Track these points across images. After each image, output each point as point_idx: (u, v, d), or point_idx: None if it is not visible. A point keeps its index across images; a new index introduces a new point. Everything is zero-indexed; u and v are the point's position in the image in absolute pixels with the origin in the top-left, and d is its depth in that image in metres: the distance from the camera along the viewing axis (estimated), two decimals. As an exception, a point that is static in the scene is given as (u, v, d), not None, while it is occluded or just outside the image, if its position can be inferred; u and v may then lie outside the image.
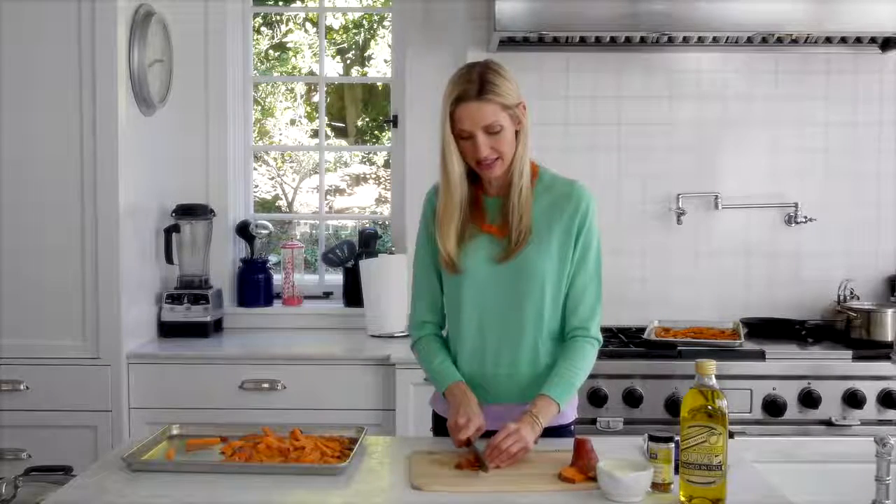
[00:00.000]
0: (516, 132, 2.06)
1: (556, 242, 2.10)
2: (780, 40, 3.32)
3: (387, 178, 5.23)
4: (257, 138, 5.36)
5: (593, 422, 2.92)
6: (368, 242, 3.64)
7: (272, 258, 3.90)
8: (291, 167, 6.16)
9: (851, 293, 3.36)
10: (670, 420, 2.88)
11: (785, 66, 3.48)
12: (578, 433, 2.07)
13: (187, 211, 3.47)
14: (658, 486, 1.78)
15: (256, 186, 4.88)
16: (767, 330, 3.33)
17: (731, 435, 2.07)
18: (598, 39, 3.36)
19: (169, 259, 3.43)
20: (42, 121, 3.01)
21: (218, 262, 3.63)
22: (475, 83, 2.00)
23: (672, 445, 1.79)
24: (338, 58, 6.07)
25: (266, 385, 3.09)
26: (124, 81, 3.08)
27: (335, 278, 3.84)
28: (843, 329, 3.25)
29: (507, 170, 2.08)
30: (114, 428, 3.05)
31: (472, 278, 2.11)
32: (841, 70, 3.47)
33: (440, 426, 2.19)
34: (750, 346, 3.08)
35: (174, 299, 3.40)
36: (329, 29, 5.74)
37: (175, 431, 2.16)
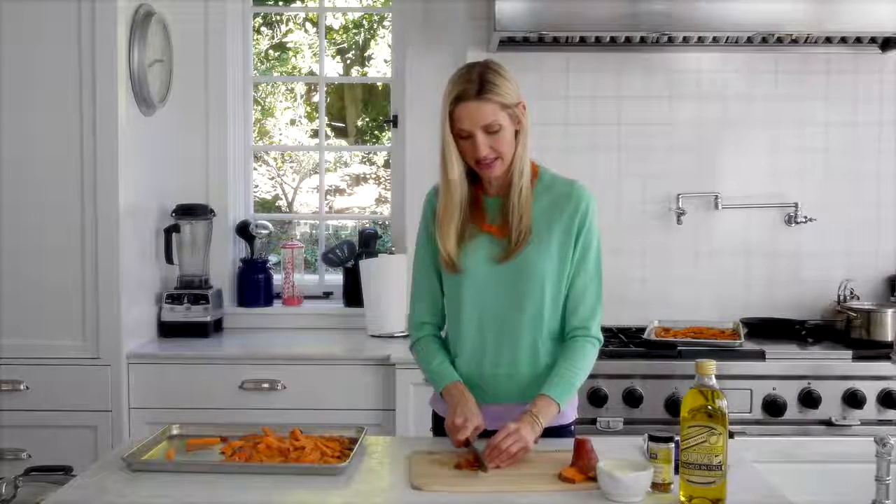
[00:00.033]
0: (516, 132, 2.06)
1: (556, 242, 2.10)
2: (780, 40, 3.32)
3: (387, 178, 5.23)
4: (257, 138, 5.36)
5: (593, 422, 2.92)
6: (368, 242, 3.64)
7: (272, 258, 3.90)
8: (291, 167, 6.16)
9: (851, 293, 3.36)
10: (670, 420, 2.88)
11: (785, 66, 3.48)
12: (578, 433, 2.07)
13: (187, 211, 3.47)
14: (658, 486, 1.78)
15: (256, 186, 4.88)
16: (767, 330, 3.33)
17: (731, 435, 2.07)
18: (598, 39, 3.36)
19: (169, 259, 3.43)
20: (42, 121, 3.01)
21: (218, 262, 3.63)
22: (474, 83, 2.01)
23: (672, 445, 1.79)
24: (338, 58, 6.07)
25: (266, 385, 3.09)
26: (124, 81, 3.08)
27: (335, 278, 3.84)
28: (843, 329, 3.25)
29: (506, 170, 2.08)
30: (114, 428, 3.05)
31: (472, 278, 2.11)
32: (841, 70, 3.47)
33: (440, 426, 2.18)
34: (750, 346, 3.08)
35: (174, 299, 3.40)
36: (329, 29, 5.74)
37: (175, 431, 2.16)
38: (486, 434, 2.00)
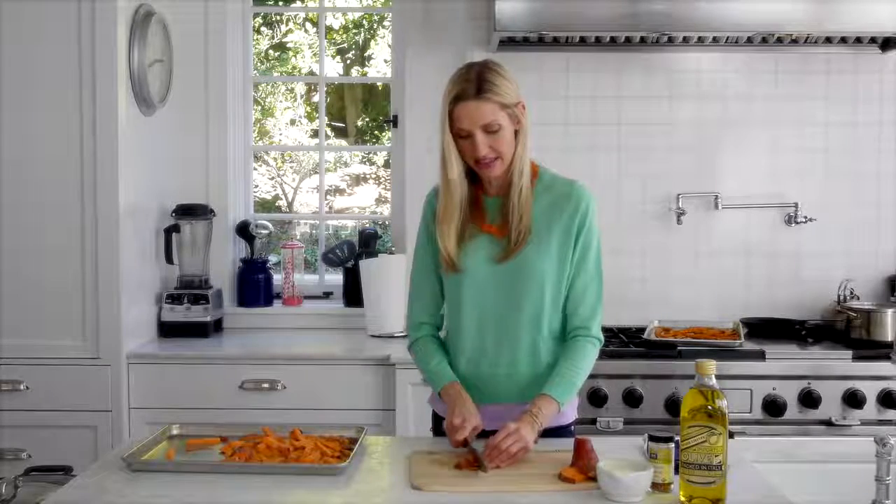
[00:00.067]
0: (515, 132, 2.07)
1: (555, 242, 2.10)
2: (780, 40, 3.32)
3: (387, 178, 5.23)
4: (257, 138, 5.36)
5: (593, 422, 2.92)
6: (368, 242, 3.64)
7: (272, 258, 3.90)
8: (291, 167, 6.16)
9: (851, 293, 3.36)
10: (670, 420, 2.88)
11: (785, 66, 3.48)
12: (578, 433, 2.07)
13: (187, 211, 3.47)
14: (658, 486, 1.78)
15: (256, 186, 4.88)
16: (767, 330, 3.33)
17: (731, 435, 2.07)
18: (598, 39, 3.36)
19: (169, 259, 3.43)
20: (42, 121, 3.01)
21: (218, 262, 3.63)
22: (473, 82, 2.01)
23: (672, 445, 1.79)
24: (338, 58, 6.07)
25: (266, 385, 3.09)
26: (124, 81, 3.08)
27: (335, 278, 3.84)
28: (843, 329, 3.25)
29: (506, 169, 2.08)
30: (114, 428, 3.04)
31: (472, 278, 2.12)
32: (841, 70, 3.47)
33: (440, 426, 2.18)
34: (750, 346, 3.08)
35: (174, 299, 3.40)
36: (329, 29, 5.74)
37: (175, 431, 2.16)
38: (486, 434, 2.00)
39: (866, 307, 3.23)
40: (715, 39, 3.33)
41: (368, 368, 3.09)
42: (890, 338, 3.13)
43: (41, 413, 3.02)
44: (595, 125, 3.52)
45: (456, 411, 2.03)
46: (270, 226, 3.77)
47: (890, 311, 3.16)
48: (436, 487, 1.81)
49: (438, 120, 2.06)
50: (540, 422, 1.99)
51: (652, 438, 1.81)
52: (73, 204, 3.02)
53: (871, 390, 2.92)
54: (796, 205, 3.48)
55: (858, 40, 3.34)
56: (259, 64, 5.63)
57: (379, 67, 5.90)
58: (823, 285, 3.46)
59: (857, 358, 3.00)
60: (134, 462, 1.91)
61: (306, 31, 6.03)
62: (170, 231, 3.43)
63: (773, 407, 2.91)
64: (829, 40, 3.33)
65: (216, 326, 3.51)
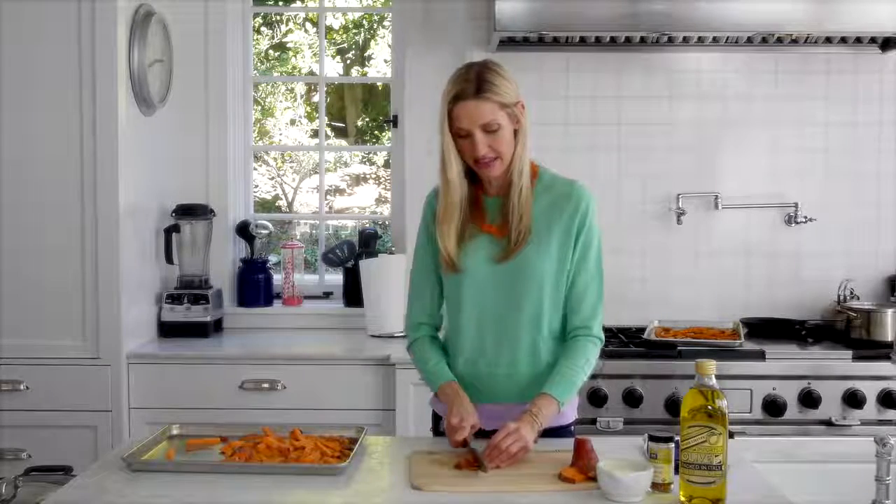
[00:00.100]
0: (515, 132, 2.07)
1: (555, 242, 2.10)
2: (780, 40, 3.32)
3: (387, 178, 5.23)
4: (257, 138, 5.36)
5: (593, 422, 2.92)
6: (368, 242, 3.64)
7: (272, 258, 3.90)
8: (291, 167, 6.16)
9: (851, 293, 3.36)
10: (670, 420, 2.88)
11: (785, 66, 3.48)
12: (578, 433, 2.07)
13: (187, 211, 3.47)
14: (658, 486, 1.78)
15: (256, 186, 4.88)
16: (767, 330, 3.33)
17: (731, 435, 2.07)
18: (598, 39, 3.36)
19: (169, 259, 3.43)
20: (42, 121, 3.01)
21: (218, 262, 3.63)
22: (473, 82, 2.01)
23: (672, 445, 1.79)
24: (338, 58, 6.07)
25: (266, 385, 3.09)
26: (124, 81, 3.08)
27: (335, 278, 3.84)
28: (843, 329, 3.25)
29: (506, 169, 2.08)
30: (114, 428, 3.04)
31: (472, 278, 2.12)
32: (841, 70, 3.47)
33: (440, 426, 2.19)
34: (750, 346, 3.08)
35: (174, 299, 3.40)
36: (329, 29, 5.74)
37: (175, 431, 2.16)
38: (486, 434, 2.00)
39: (866, 307, 3.24)
40: (715, 39, 3.33)
41: (368, 368, 3.09)
42: (890, 338, 3.13)
43: (41, 413, 3.02)
44: (595, 125, 3.52)
45: (454, 411, 2.03)
46: (270, 226, 3.77)
47: (890, 311, 3.16)
48: (436, 487, 1.81)
49: (438, 120, 2.06)
50: (540, 421, 1.99)
51: (652, 438, 1.81)
52: (73, 204, 3.02)
53: (871, 390, 2.92)
54: (796, 205, 3.48)
55: (858, 40, 3.34)
56: (259, 64, 5.63)
57: (379, 67, 5.90)
58: (823, 285, 3.46)
59: (857, 358, 3.00)
60: (134, 462, 1.91)
61: (306, 31, 6.03)
62: (170, 231, 3.43)
63: (773, 407, 2.91)
64: (829, 40, 3.33)
65: (216, 326, 3.51)
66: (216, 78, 3.63)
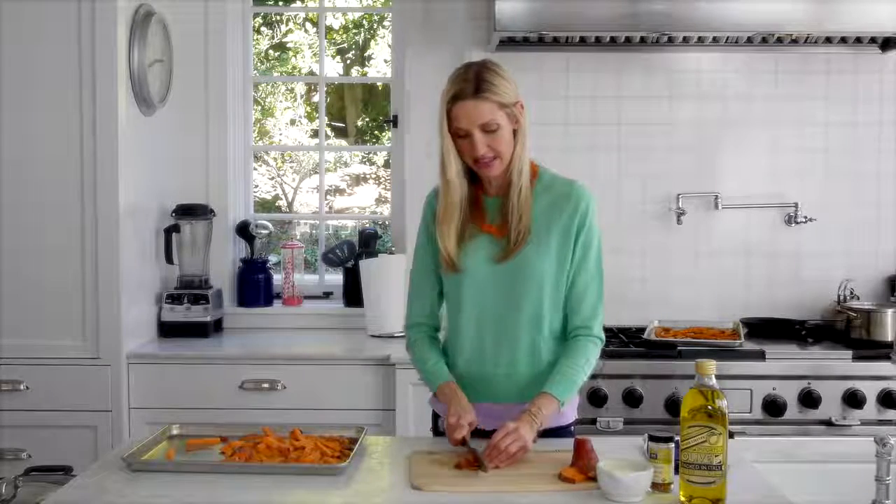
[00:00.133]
0: (514, 132, 2.07)
1: (555, 242, 2.10)
2: (780, 40, 3.32)
3: (387, 178, 5.23)
4: (257, 138, 5.36)
5: (593, 422, 2.92)
6: (368, 242, 3.64)
7: (272, 258, 3.90)
8: (291, 167, 6.16)
9: (851, 293, 3.36)
10: (670, 420, 2.88)
11: (785, 66, 3.48)
12: (578, 433, 2.07)
13: (187, 211, 3.47)
14: (658, 486, 1.78)
15: (256, 186, 4.88)
16: (767, 330, 3.33)
17: (731, 435, 2.07)
18: (598, 39, 3.36)
19: (169, 259, 3.43)
20: (42, 121, 3.01)
21: (218, 262, 3.63)
22: (472, 82, 2.01)
23: (672, 445, 1.79)
24: (338, 58, 6.07)
25: (266, 385, 3.09)
26: (124, 81, 3.08)
27: (335, 278, 3.84)
28: (843, 329, 3.25)
29: (505, 169, 2.08)
30: (114, 428, 3.04)
31: (472, 278, 2.12)
32: (841, 70, 3.47)
33: (439, 426, 2.19)
34: (750, 346, 3.08)
35: (174, 299, 3.40)
36: (329, 29, 5.74)
37: (175, 431, 2.16)
38: (486, 434, 2.00)
39: (866, 307, 3.24)
40: (715, 39, 3.33)
41: (368, 368, 3.09)
42: (890, 338, 3.13)
43: (41, 413, 3.02)
44: (595, 125, 3.52)
45: (451, 410, 2.04)
46: (270, 226, 3.77)
47: (890, 311, 3.16)
48: (436, 487, 1.81)
49: (437, 120, 2.06)
50: (539, 421, 1.99)
51: (652, 438, 1.81)
52: (73, 204, 3.02)
53: (871, 390, 2.92)
54: (796, 205, 3.48)
55: (858, 40, 3.33)
56: (259, 64, 5.63)
57: (379, 67, 5.90)
58: (823, 285, 3.46)
59: (857, 358, 3.00)
60: (134, 462, 1.91)
61: (306, 31, 6.03)
62: (170, 231, 3.43)
63: (773, 407, 2.91)
64: (829, 40, 3.33)
65: (216, 326, 3.51)
66: (216, 78, 3.63)
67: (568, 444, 1.95)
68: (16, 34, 2.99)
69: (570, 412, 2.18)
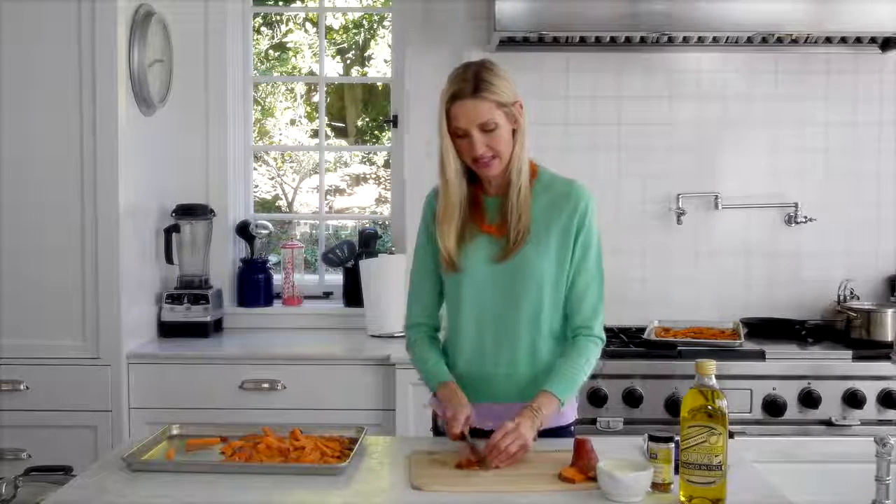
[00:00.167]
0: (514, 131, 2.07)
1: (554, 242, 2.10)
2: (780, 40, 3.32)
3: (387, 178, 5.23)
4: (257, 138, 5.36)
5: (593, 422, 2.92)
6: (368, 242, 3.64)
7: (272, 258, 3.90)
8: (291, 167, 6.16)
9: (851, 293, 3.36)
10: (670, 420, 2.88)
11: (785, 66, 3.48)
12: (578, 433, 2.07)
13: (187, 211, 3.47)
14: (658, 486, 1.78)
15: (256, 186, 4.88)
16: (767, 330, 3.33)
17: (731, 435, 2.07)
18: (598, 39, 3.36)
19: (169, 259, 3.43)
20: (42, 121, 3.01)
21: (218, 262, 3.63)
22: (470, 81, 2.01)
23: (672, 445, 1.79)
24: (338, 58, 6.07)
25: (266, 385, 3.09)
26: (124, 81, 3.08)
27: (335, 278, 3.84)
28: (843, 329, 3.25)
29: (504, 169, 2.08)
30: (114, 428, 3.04)
31: (472, 277, 2.12)
32: (841, 70, 3.47)
33: (439, 426, 2.19)
34: (750, 346, 3.08)
35: (174, 299, 3.40)
36: (329, 29, 5.74)
37: (175, 431, 2.16)
38: (486, 434, 2.00)
39: (866, 307, 3.24)
40: (715, 39, 3.33)
41: (368, 368, 3.09)
42: (890, 338, 3.13)
43: (41, 413, 3.02)
44: (595, 125, 3.52)
45: (448, 406, 2.04)
46: (270, 226, 3.77)
47: (890, 311, 3.16)
48: (436, 487, 1.81)
49: (436, 120, 2.07)
50: (540, 420, 1.99)
51: (652, 438, 1.81)
52: (73, 204, 3.02)
53: (871, 390, 2.92)
54: (796, 205, 3.48)
55: (858, 40, 3.33)
56: (259, 64, 5.63)
57: (379, 67, 5.90)
58: (823, 285, 3.46)
59: (857, 358, 3.00)
60: (134, 462, 1.91)
61: (306, 31, 6.03)
62: (170, 231, 3.43)
63: (773, 407, 2.91)
64: (829, 40, 3.33)
65: (216, 326, 3.51)
66: (216, 78, 3.63)
67: (568, 444, 1.95)
68: (16, 34, 2.99)
69: (570, 412, 2.19)
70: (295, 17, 5.87)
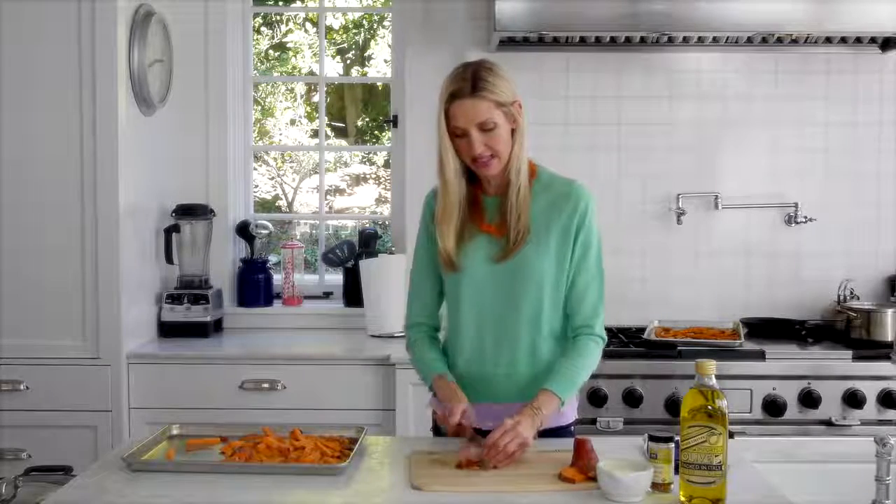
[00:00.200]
0: (512, 131, 2.07)
1: (554, 242, 2.10)
2: (780, 40, 3.32)
3: (387, 178, 5.23)
4: (257, 138, 5.36)
5: (593, 422, 2.92)
6: (368, 242, 3.64)
7: (272, 258, 3.90)
8: (291, 167, 6.16)
9: (851, 293, 3.36)
10: (670, 420, 2.88)
11: (785, 66, 3.48)
12: (578, 433, 2.07)
13: (187, 211, 3.47)
14: (658, 486, 1.78)
15: (256, 186, 4.88)
16: (767, 330, 3.33)
17: (731, 435, 2.07)
18: (598, 39, 3.36)
19: (169, 259, 3.43)
20: (42, 121, 3.01)
21: (218, 262, 3.63)
22: (469, 81, 2.01)
23: (672, 445, 1.79)
24: (338, 58, 6.07)
25: (266, 385, 3.09)
26: (124, 81, 3.08)
27: (335, 278, 3.84)
28: (843, 329, 3.25)
29: (503, 168, 2.08)
30: (114, 428, 3.04)
31: (471, 277, 2.12)
32: (841, 70, 3.48)
33: (439, 426, 2.19)
34: (750, 346, 3.08)
35: (174, 299, 3.40)
36: (329, 29, 5.74)
37: (175, 431, 2.16)
38: (486, 434, 1.99)
39: (866, 307, 3.24)
40: (715, 39, 3.33)
41: (368, 368, 3.09)
42: (890, 338, 3.13)
43: (41, 413, 3.02)
44: (595, 125, 3.52)
45: (443, 402, 2.04)
46: (270, 226, 3.77)
47: (890, 311, 3.16)
48: (436, 487, 1.81)
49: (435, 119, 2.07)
50: (540, 419, 1.99)
51: (652, 438, 1.81)
52: (73, 204, 3.02)
53: (871, 390, 2.92)
54: (796, 205, 3.49)
55: (858, 40, 3.34)
56: (259, 64, 5.63)
57: (379, 67, 5.90)
58: (823, 285, 3.46)
59: (857, 358, 3.00)
60: (134, 462, 1.91)
61: (306, 31, 6.03)
62: (170, 231, 3.43)
63: (773, 407, 2.91)
64: (829, 40, 3.33)
65: (216, 326, 3.51)
66: (216, 78, 3.63)
67: (568, 444, 1.95)
68: (16, 34, 2.99)
69: (570, 412, 2.19)
70: (295, 17, 5.87)
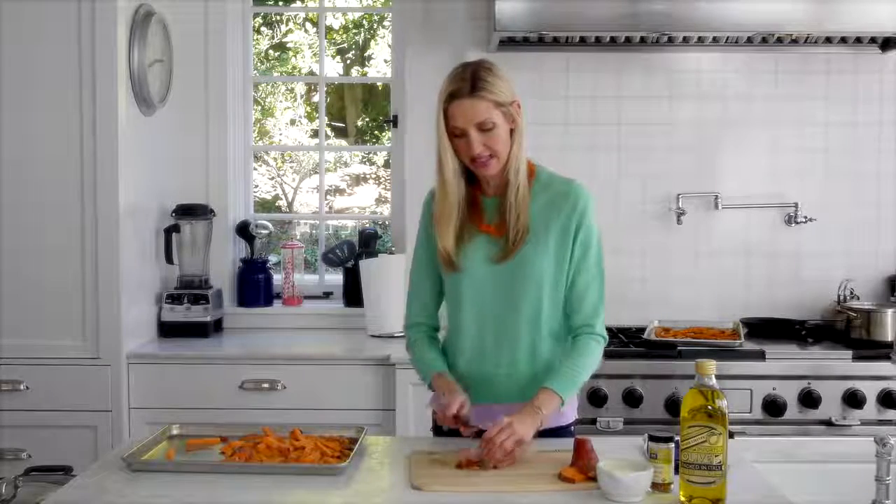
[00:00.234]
0: (511, 131, 2.07)
1: (553, 241, 2.10)
2: (780, 40, 3.32)
3: (387, 178, 5.23)
4: (257, 138, 5.36)
5: (593, 422, 2.92)
6: (368, 242, 3.64)
7: (272, 258, 3.90)
8: (291, 167, 6.16)
9: (851, 293, 3.36)
10: (670, 420, 2.88)
11: (785, 66, 3.48)
12: (578, 433, 2.07)
13: (187, 211, 3.47)
14: (658, 486, 1.78)
15: (256, 186, 4.88)
16: (767, 330, 3.33)
17: (731, 435, 2.07)
18: (598, 39, 3.36)
19: (169, 259, 3.43)
20: (42, 121, 3.01)
21: (218, 262, 3.63)
22: (468, 81, 2.02)
23: (672, 445, 1.79)
24: (338, 58, 6.07)
25: (266, 385, 3.09)
26: (124, 81, 3.08)
27: (335, 278, 3.84)
28: (843, 329, 3.25)
29: (502, 168, 2.08)
30: (114, 428, 3.05)
31: (471, 278, 2.12)
32: (841, 70, 3.47)
33: (440, 426, 2.19)
34: (750, 346, 3.08)
35: (174, 299, 3.40)
36: (329, 29, 5.74)
37: (175, 431, 2.16)
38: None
39: (866, 307, 3.24)
40: (715, 39, 3.33)
41: (368, 368, 3.09)
42: (890, 338, 3.13)
43: (41, 413, 3.02)
44: (595, 125, 3.52)
45: (441, 396, 2.05)
46: (270, 226, 3.77)
47: (890, 311, 3.16)
48: (436, 487, 1.81)
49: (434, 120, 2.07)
50: (539, 418, 1.98)
51: (652, 438, 1.81)
52: (73, 204, 3.02)
53: (871, 390, 2.92)
54: (796, 205, 3.48)
55: (858, 40, 3.33)
56: (259, 64, 5.63)
57: (379, 67, 5.90)
58: (823, 285, 3.46)
59: (857, 358, 3.00)
60: (134, 462, 1.91)
61: (306, 31, 6.03)
62: (170, 231, 3.43)
63: (773, 407, 2.91)
64: (829, 40, 3.33)
65: (216, 326, 3.51)
66: (216, 78, 3.63)
67: (568, 444, 1.95)
68: (16, 34, 2.99)
69: (570, 412, 2.19)
70: (295, 17, 5.87)
